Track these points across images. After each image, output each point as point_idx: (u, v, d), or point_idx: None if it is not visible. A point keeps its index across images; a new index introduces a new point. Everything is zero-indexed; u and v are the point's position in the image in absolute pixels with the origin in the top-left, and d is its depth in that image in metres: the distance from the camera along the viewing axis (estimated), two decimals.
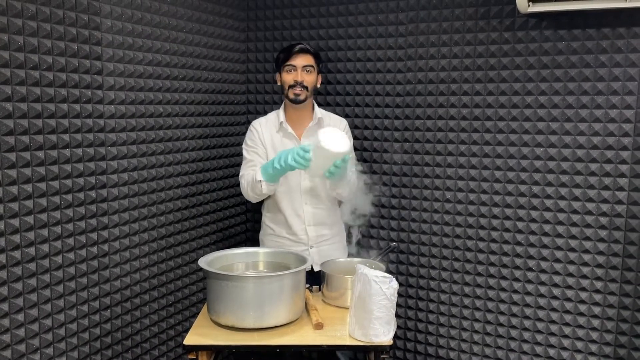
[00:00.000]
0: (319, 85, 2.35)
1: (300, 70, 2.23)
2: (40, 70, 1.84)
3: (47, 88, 1.87)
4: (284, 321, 1.81)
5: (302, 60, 2.24)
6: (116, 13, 2.11)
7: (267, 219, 2.43)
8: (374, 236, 2.78)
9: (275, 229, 2.38)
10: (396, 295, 1.74)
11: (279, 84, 2.32)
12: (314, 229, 2.34)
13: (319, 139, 1.93)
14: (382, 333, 1.72)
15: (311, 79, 2.26)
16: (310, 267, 2.27)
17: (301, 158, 1.97)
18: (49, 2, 1.86)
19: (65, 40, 1.91)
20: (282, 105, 2.36)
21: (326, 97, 2.80)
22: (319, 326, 1.82)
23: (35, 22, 1.82)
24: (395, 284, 1.72)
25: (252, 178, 2.20)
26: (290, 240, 2.35)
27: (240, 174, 2.32)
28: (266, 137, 2.32)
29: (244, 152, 2.35)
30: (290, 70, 2.24)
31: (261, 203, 2.44)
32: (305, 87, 2.24)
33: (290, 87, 2.24)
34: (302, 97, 2.24)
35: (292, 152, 2.00)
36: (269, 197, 2.35)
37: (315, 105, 2.37)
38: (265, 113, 2.96)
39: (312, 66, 2.26)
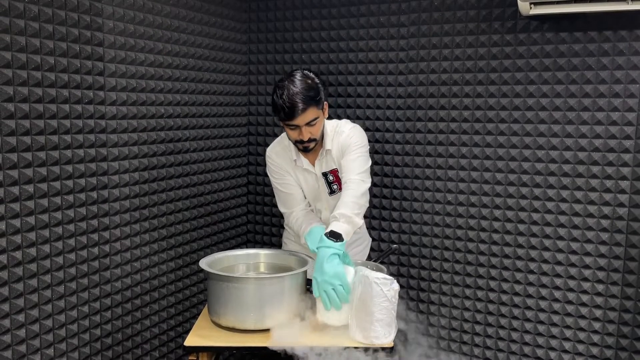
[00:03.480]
0: (326, 116, 2.07)
1: (304, 127, 1.95)
2: (42, 71, 1.84)
3: (49, 89, 1.87)
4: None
5: (303, 119, 1.92)
6: (118, 14, 2.12)
7: None
8: (374, 238, 2.77)
9: (294, 237, 2.27)
10: (397, 297, 1.73)
11: (282, 125, 2.04)
12: None
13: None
14: (383, 335, 1.72)
15: (318, 128, 1.99)
16: None
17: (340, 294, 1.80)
18: (51, 3, 1.86)
19: (67, 41, 1.92)
20: None
21: (327, 99, 2.80)
22: (319, 328, 1.81)
23: (38, 23, 1.82)
24: (396, 286, 1.71)
25: (300, 231, 2.10)
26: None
27: (286, 210, 2.16)
28: (286, 166, 2.16)
29: (277, 186, 2.17)
30: (292, 128, 1.97)
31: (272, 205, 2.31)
32: (313, 139, 2.00)
33: (296, 142, 2.02)
34: (311, 147, 2.02)
35: (334, 280, 1.77)
36: None
37: (326, 128, 2.10)
38: (266, 115, 2.98)
39: (316, 118, 1.95)
